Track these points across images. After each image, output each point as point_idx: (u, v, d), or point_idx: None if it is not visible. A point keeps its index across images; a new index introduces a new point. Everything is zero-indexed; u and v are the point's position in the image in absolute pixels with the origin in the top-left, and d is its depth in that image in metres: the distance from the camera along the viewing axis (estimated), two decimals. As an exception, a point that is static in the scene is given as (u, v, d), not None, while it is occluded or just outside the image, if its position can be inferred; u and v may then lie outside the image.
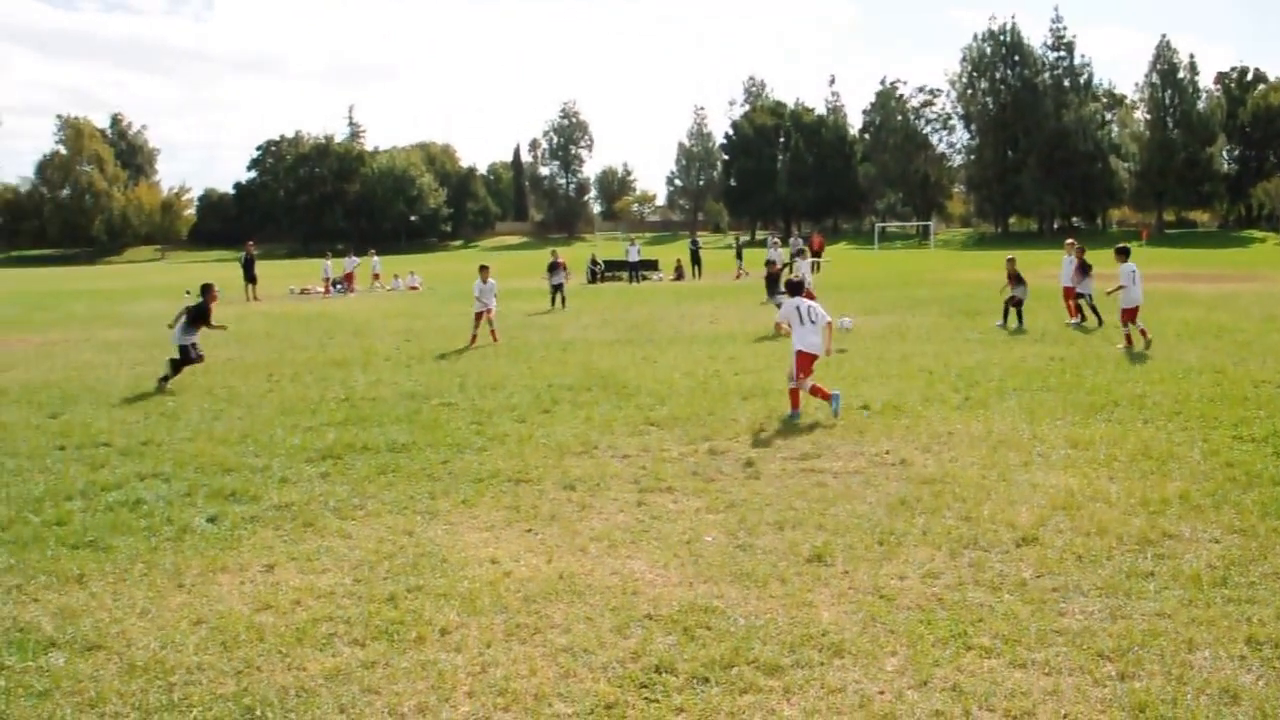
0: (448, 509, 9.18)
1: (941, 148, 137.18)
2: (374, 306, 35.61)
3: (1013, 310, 23.84)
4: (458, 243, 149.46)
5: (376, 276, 51.69)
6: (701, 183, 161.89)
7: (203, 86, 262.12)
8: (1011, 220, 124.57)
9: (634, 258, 50.08)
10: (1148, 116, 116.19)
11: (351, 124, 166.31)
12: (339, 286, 47.48)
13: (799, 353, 13.16)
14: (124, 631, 6.63)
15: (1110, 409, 12.94)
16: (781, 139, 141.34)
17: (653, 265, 51.68)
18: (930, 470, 10.10)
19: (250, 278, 42.87)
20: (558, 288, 32.03)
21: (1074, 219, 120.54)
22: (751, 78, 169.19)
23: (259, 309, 36.68)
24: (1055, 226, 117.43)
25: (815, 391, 13.14)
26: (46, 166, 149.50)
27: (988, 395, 14.12)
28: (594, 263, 50.55)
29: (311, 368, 19.04)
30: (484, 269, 23.61)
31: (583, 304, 33.57)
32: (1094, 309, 23.06)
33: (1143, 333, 18.76)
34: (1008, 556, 7.55)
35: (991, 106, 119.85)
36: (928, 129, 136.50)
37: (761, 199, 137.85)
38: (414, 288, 49.37)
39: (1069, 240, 25.04)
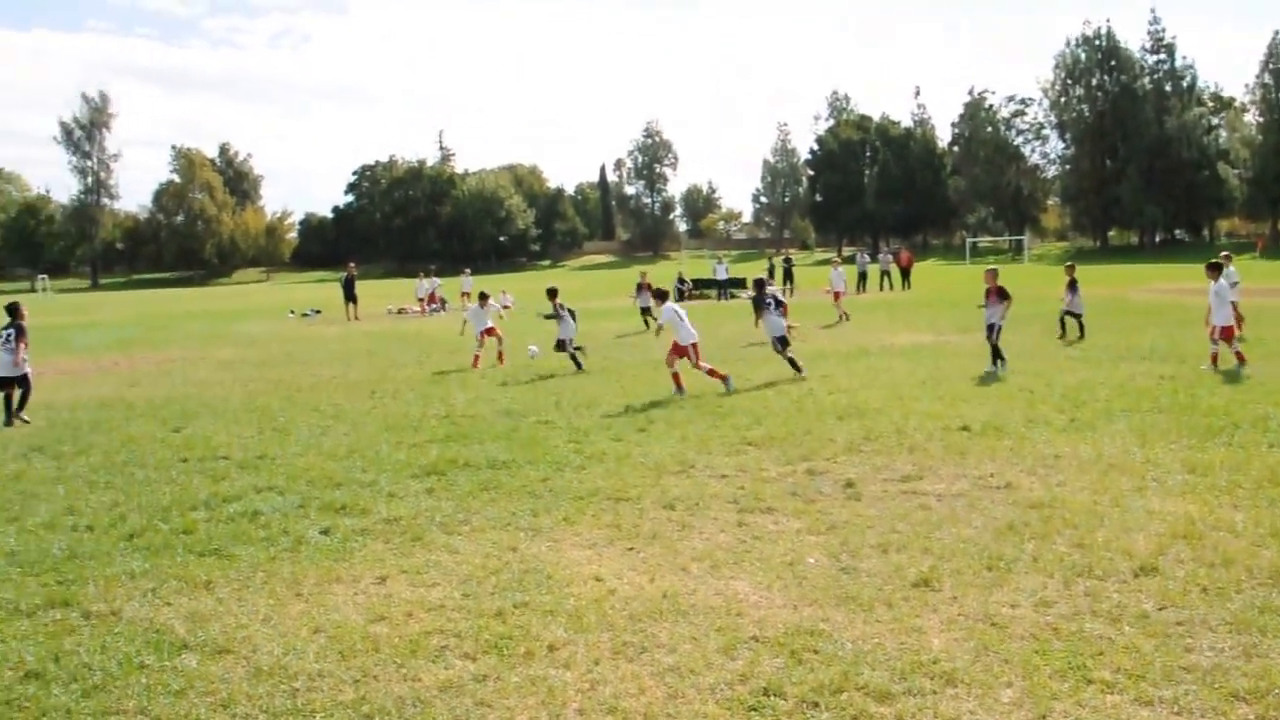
0: (550, 526, 9.24)
1: (1034, 159, 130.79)
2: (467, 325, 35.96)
3: (1071, 321, 23.53)
4: (546, 262, 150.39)
5: (466, 295, 52.17)
6: (787, 199, 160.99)
7: (302, 115, 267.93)
8: (1111, 233, 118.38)
9: (722, 276, 49.95)
10: (1260, 119, 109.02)
11: (442, 148, 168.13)
12: (435, 306, 48.08)
13: (693, 345, 17.25)
14: (249, 637, 6.79)
15: (1230, 432, 12.27)
16: (868, 153, 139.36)
17: (741, 283, 51.44)
18: (1037, 494, 9.77)
19: (351, 297, 43.53)
20: (646, 310, 31.97)
21: (1177, 231, 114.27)
22: (835, 92, 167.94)
23: (359, 328, 37.26)
24: (1158, 239, 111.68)
25: (711, 373, 17.15)
26: (163, 195, 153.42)
27: (1095, 416, 13.58)
28: (681, 281, 50.48)
29: (412, 385, 19.30)
30: (484, 296, 24.18)
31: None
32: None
33: (1238, 355, 17.64)
34: (1126, 587, 7.21)
35: (1088, 114, 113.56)
36: (1019, 139, 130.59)
37: (848, 214, 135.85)
38: (506, 306, 49.76)
39: (1223, 253, 22.77)
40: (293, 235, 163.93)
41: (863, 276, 49.74)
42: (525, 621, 6.89)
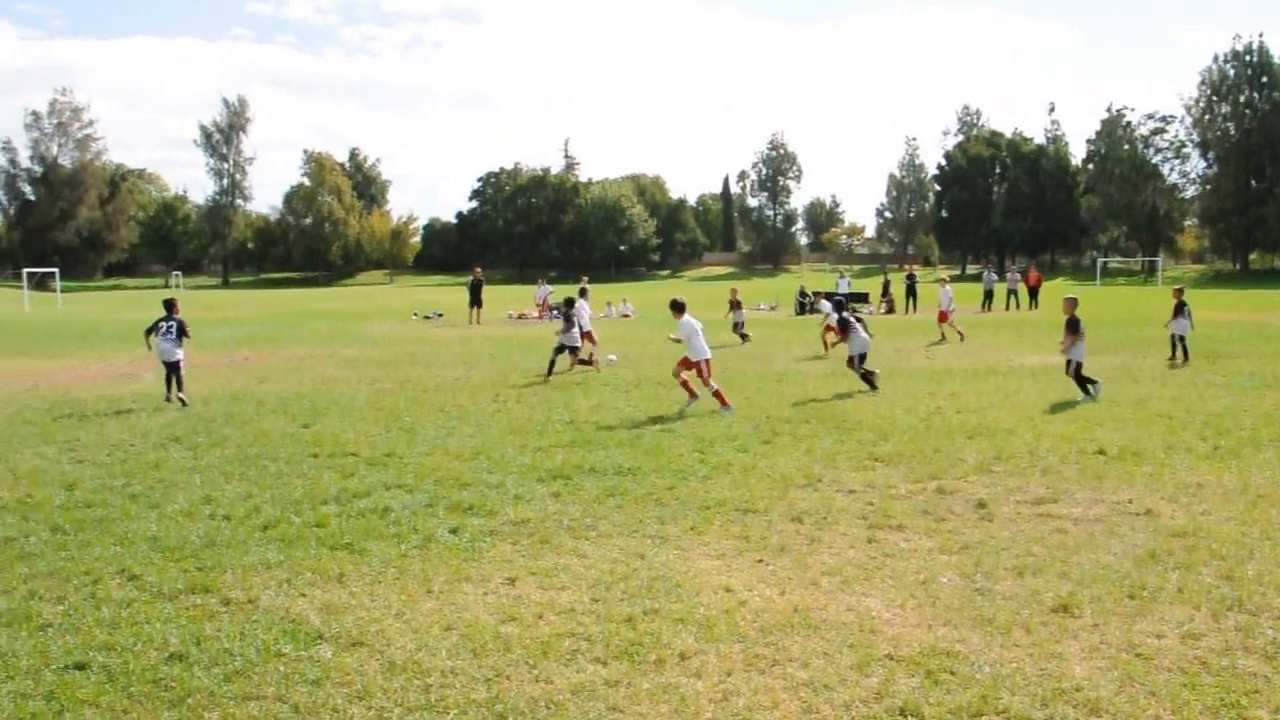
0: (677, 535, 9.20)
1: (1173, 178, 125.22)
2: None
3: (1179, 343, 22.88)
4: (665, 272, 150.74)
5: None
6: (912, 214, 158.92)
7: (431, 121, 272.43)
8: (1252, 256, 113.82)
9: (844, 289, 49.49)
10: None
11: (566, 156, 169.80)
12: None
13: (704, 361, 16.87)
14: (382, 631, 6.87)
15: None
16: (998, 169, 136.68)
17: (863, 298, 50.87)
18: (1180, 523, 9.43)
19: (476, 301, 44.01)
20: (737, 326, 31.66)
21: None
22: (966, 106, 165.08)
23: (481, 332, 37.74)
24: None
25: (716, 395, 16.58)
26: (293, 197, 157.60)
27: (1240, 445, 13.08)
28: (803, 294, 50.13)
29: (535, 390, 19.46)
30: (569, 302, 23.76)
31: (793, 335, 33.40)
32: None
33: None
34: (1281, 624, 6.90)
35: (1233, 132, 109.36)
36: (1158, 158, 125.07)
37: (975, 231, 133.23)
38: (626, 315, 50.00)
39: None
40: (416, 239, 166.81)
41: (988, 295, 48.81)
42: (655, 629, 6.86)
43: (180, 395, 18.32)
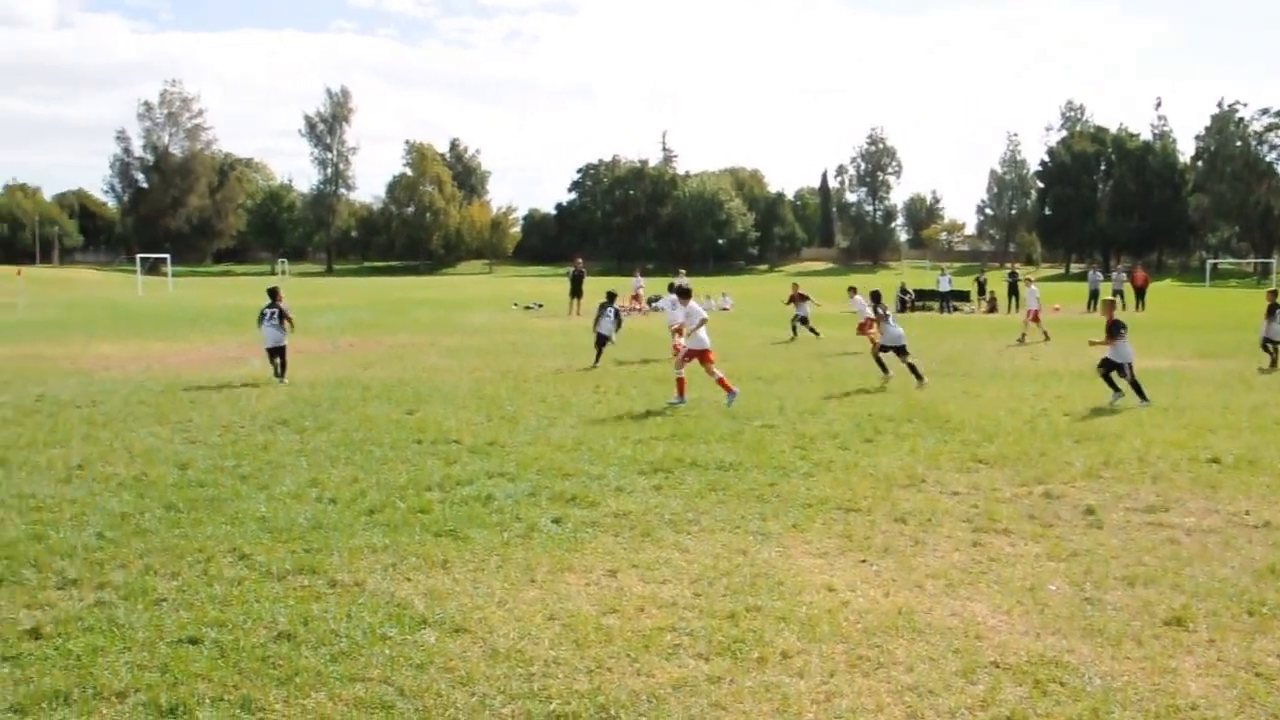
0: (779, 531, 9.14)
1: None
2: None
3: (1273, 348, 22.13)
4: (763, 267, 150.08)
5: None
6: (1014, 212, 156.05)
7: (529, 113, 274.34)
8: None
9: (945, 287, 48.78)
10: None
11: (665, 149, 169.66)
12: (653, 304, 48.53)
13: (692, 351, 16.93)
14: (485, 618, 6.93)
15: None
16: (1103, 167, 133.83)
17: (964, 296, 50.04)
18: (1301, 537, 9.05)
19: (577, 292, 44.23)
20: (804, 320, 31.32)
21: None
22: (1070, 102, 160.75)
23: (580, 323, 37.89)
24: None
25: (721, 383, 16.78)
26: (395, 187, 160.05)
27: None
28: (904, 291, 49.52)
29: (635, 382, 19.49)
30: (612, 295, 23.83)
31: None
32: None
33: None
34: None
35: None
36: (1272, 155, 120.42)
37: (1079, 230, 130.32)
38: (725, 309, 49.89)
39: None
40: (516, 230, 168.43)
41: (1094, 295, 47.69)
42: (758, 626, 6.81)
43: (283, 378, 19.43)
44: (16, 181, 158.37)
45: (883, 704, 5.70)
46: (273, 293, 20.56)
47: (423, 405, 16.35)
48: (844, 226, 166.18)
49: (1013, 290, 47.04)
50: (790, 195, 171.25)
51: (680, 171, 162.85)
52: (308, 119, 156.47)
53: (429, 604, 7.19)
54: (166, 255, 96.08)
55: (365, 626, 6.73)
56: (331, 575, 7.81)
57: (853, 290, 28.79)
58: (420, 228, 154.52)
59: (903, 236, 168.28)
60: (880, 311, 20.19)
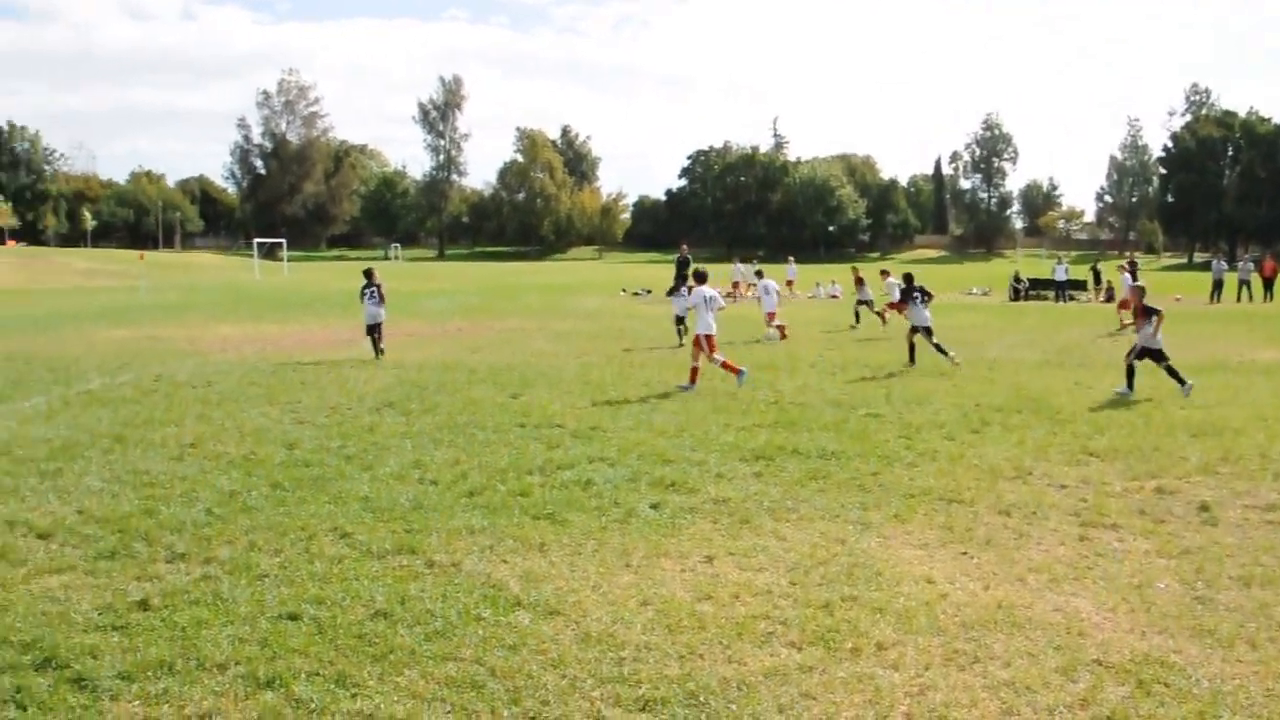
0: (880, 521, 9.02)
1: None
2: (794, 313, 35.87)
3: None
4: (875, 254, 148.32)
5: (790, 283, 52.13)
6: (1134, 199, 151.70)
7: (640, 100, 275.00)
8: None
9: (1061, 276, 47.67)
10: None
11: (776, 135, 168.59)
12: (754, 291, 48.31)
13: (707, 336, 17.09)
14: (579, 602, 6.97)
15: None
16: (1230, 152, 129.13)
17: (1081, 285, 48.82)
18: None
19: (681, 278, 44.20)
20: (866, 303, 30.77)
21: None
22: (1195, 85, 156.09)
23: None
24: None
25: (725, 366, 17.02)
26: (506, 173, 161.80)
27: None
28: (1017, 280, 48.53)
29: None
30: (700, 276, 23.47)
31: (1006, 323, 32.34)
32: None
33: None
34: None
35: None
36: None
37: (1203, 217, 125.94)
38: (834, 296, 49.46)
39: None
40: (626, 216, 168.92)
41: (1218, 285, 46.15)
42: (853, 616, 6.73)
43: (380, 348, 20.99)
44: (142, 169, 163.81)
45: (978, 699, 5.59)
46: (369, 274, 21.83)
47: (528, 389, 16.51)
48: (957, 214, 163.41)
49: (1132, 279, 45.73)
50: (903, 182, 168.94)
51: (791, 158, 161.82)
52: (421, 106, 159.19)
53: (524, 586, 7.25)
54: (283, 240, 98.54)
55: (460, 607, 6.81)
56: (430, 556, 7.93)
57: (885, 274, 30.15)
58: (531, 213, 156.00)
59: (1018, 224, 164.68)
60: (913, 295, 20.61)
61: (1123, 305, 29.60)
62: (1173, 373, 16.24)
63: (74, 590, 7.15)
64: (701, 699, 5.56)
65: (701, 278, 18.39)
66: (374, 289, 21.18)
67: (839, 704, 5.53)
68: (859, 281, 31.50)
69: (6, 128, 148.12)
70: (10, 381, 17.63)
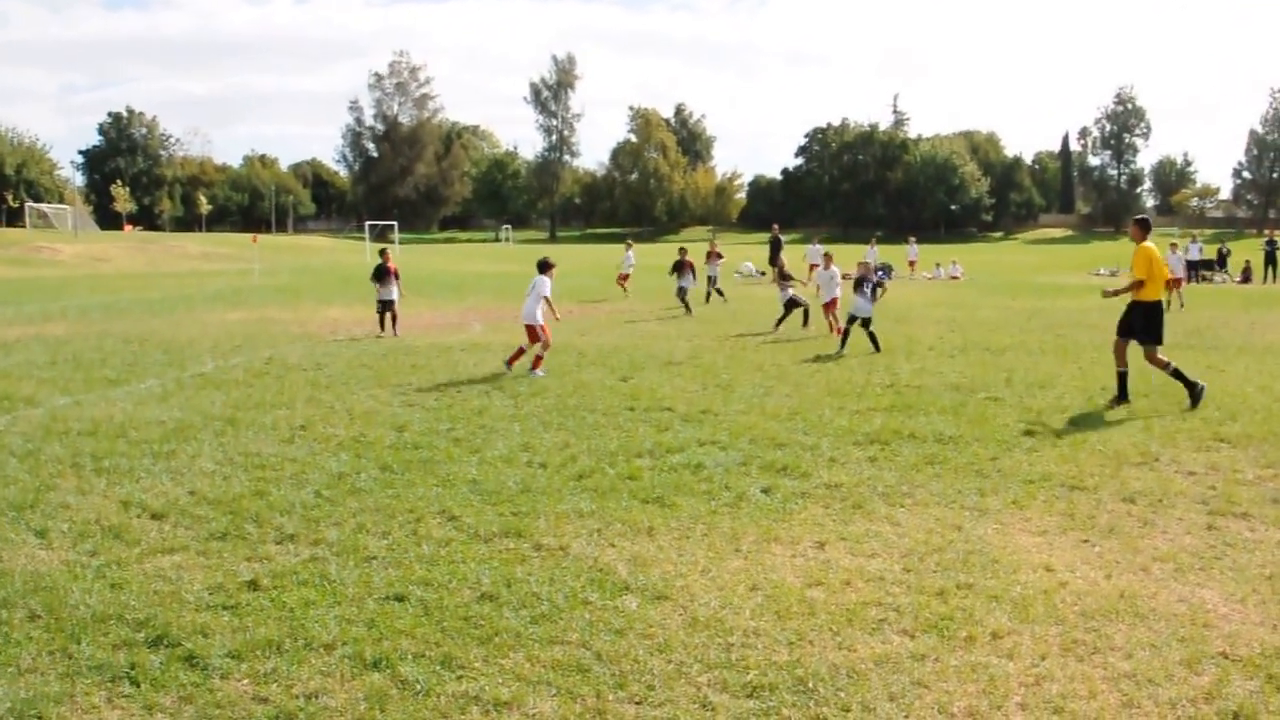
0: (997, 508, 8.91)
1: None
2: (913, 294, 35.50)
3: None
4: (998, 234, 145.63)
5: (912, 264, 51.51)
6: (1275, 175, 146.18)
7: (755, 77, 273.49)
8: None
9: (1194, 256, 46.38)
10: None
11: (896, 112, 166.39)
12: (880, 273, 47.90)
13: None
14: (687, 586, 7.02)
15: None
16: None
17: (1213, 265, 47.42)
18: None
19: (774, 260, 44.07)
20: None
21: None
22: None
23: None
24: None
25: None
26: (619, 153, 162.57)
27: None
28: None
29: (856, 352, 19.26)
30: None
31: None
32: None
33: None
34: None
35: None
36: None
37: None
38: (955, 277, 48.78)
39: None
40: (741, 196, 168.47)
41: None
42: (968, 604, 6.67)
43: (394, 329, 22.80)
44: (255, 153, 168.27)
45: (1096, 690, 5.51)
46: (383, 253, 24.08)
47: (638, 372, 16.62)
48: (1085, 192, 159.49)
49: (1269, 260, 44.30)
50: (1028, 159, 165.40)
51: (911, 135, 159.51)
52: (533, 86, 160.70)
53: (632, 570, 7.32)
54: (394, 222, 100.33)
55: (567, 590, 6.91)
56: (537, 539, 8.05)
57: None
58: (644, 194, 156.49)
59: (1149, 202, 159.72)
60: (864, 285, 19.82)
61: (1175, 285, 29.01)
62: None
63: (186, 570, 7.41)
64: (810, 686, 5.56)
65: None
66: (388, 270, 23.01)
67: (952, 693, 5.49)
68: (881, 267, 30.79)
69: (126, 114, 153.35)
70: (126, 364, 18.29)
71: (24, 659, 5.91)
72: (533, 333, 16.78)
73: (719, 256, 33.98)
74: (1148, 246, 13.92)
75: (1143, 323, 13.88)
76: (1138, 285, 13.79)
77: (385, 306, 23.15)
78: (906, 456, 10.71)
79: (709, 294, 32.59)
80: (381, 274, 23.23)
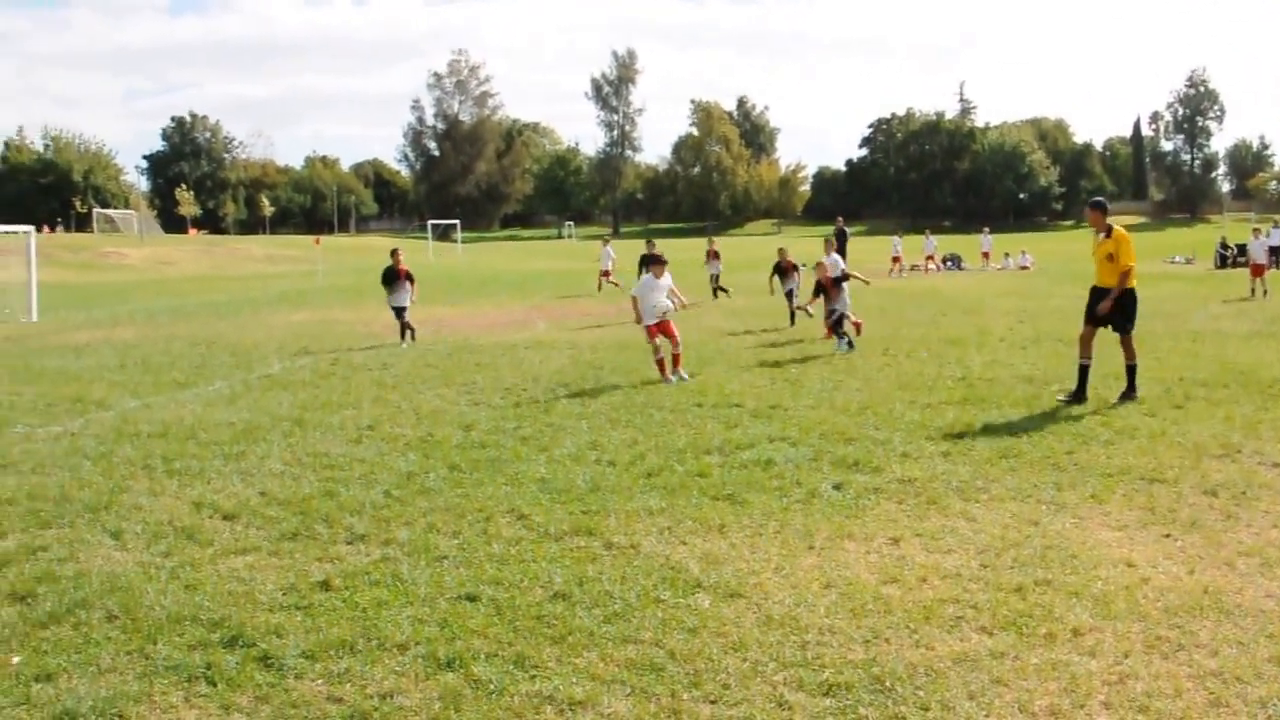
0: (1075, 502, 8.80)
1: None
2: (984, 285, 35.18)
3: None
4: (1068, 223, 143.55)
5: (986, 255, 51.00)
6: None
7: (819, 68, 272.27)
8: None
9: (1277, 241, 45.40)
10: None
11: (962, 100, 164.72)
12: (949, 264, 47.47)
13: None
14: (761, 584, 7.01)
15: None
16: None
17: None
18: None
19: (840, 251, 43.80)
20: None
21: None
22: None
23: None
24: None
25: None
26: (681, 147, 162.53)
27: None
28: (1224, 246, 46.44)
29: (926, 344, 19.14)
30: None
31: (1211, 290, 31.05)
32: None
33: None
34: None
35: None
36: None
37: None
38: (1025, 267, 48.24)
39: None
40: (805, 188, 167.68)
41: None
42: (1047, 601, 6.60)
43: (410, 333, 21.47)
44: (317, 154, 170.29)
45: (1182, 689, 5.42)
46: (394, 253, 22.43)
47: (704, 368, 16.63)
48: (1158, 178, 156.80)
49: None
50: (1098, 145, 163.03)
51: (979, 123, 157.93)
52: (594, 81, 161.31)
53: (704, 568, 7.32)
54: (456, 221, 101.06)
55: (639, 589, 6.92)
56: (608, 537, 8.08)
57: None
58: (707, 188, 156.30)
59: (1224, 187, 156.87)
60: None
61: (1258, 272, 28.53)
62: None
63: (258, 570, 7.54)
64: (887, 684, 5.53)
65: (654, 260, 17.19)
66: (399, 272, 21.55)
67: (1032, 691, 5.44)
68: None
69: (189, 118, 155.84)
70: (194, 366, 18.64)
71: (103, 658, 6.04)
72: (667, 327, 16.01)
73: (717, 255, 33.93)
74: (1123, 230, 13.58)
75: (1129, 311, 13.51)
76: (1127, 274, 13.34)
77: (399, 314, 21.63)
78: (980, 450, 10.61)
79: (715, 290, 32.61)
80: (391, 277, 21.73)
